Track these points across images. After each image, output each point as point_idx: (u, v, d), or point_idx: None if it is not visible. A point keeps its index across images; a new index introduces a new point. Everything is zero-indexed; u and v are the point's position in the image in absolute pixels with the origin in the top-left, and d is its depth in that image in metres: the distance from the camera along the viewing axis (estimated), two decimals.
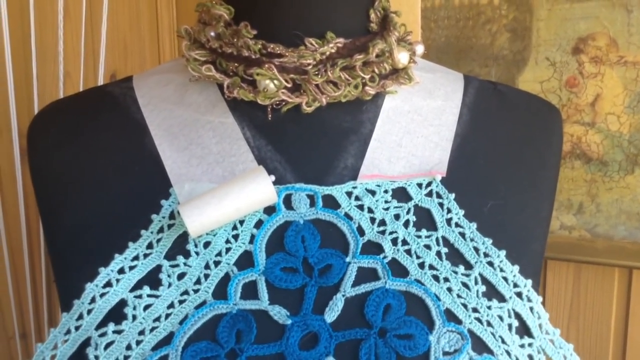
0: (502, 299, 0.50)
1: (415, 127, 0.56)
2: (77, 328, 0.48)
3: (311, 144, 0.53)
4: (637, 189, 0.93)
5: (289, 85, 0.51)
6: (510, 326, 0.49)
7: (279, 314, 0.47)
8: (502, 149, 0.57)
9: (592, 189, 0.95)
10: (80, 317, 0.48)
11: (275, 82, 0.51)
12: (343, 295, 0.47)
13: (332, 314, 0.47)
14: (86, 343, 0.47)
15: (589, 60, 0.93)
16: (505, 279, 0.50)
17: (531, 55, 0.96)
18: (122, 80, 0.60)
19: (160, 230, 0.50)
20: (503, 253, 0.50)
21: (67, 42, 1.04)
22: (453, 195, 0.52)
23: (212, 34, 0.54)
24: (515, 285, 0.50)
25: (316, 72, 0.51)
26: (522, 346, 0.49)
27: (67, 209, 0.53)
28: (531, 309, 0.50)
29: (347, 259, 0.49)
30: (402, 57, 0.56)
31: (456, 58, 1.01)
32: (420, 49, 0.60)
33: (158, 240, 0.50)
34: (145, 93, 0.57)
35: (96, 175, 0.53)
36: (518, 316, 0.50)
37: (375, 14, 0.56)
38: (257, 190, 0.48)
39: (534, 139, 0.58)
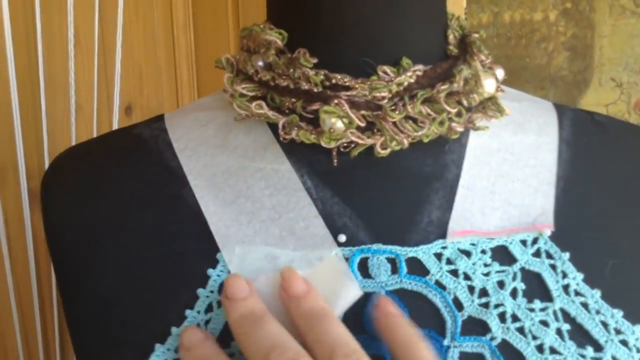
0: None
1: (508, 169, 0.46)
2: None
3: (387, 194, 0.44)
4: None
5: (361, 124, 0.41)
6: None
7: None
8: (613, 192, 0.47)
9: None
10: None
11: (345, 120, 0.41)
12: None
13: None
14: None
15: None
16: None
17: (594, 76, 0.87)
18: (152, 120, 0.50)
19: (209, 309, 0.40)
20: (638, 329, 0.40)
21: (77, 73, 0.96)
22: (567, 254, 0.42)
23: (261, 63, 0.45)
24: None
25: (393, 107, 0.42)
26: None
27: (92, 277, 0.43)
28: None
29: (446, 342, 0.39)
30: (488, 85, 0.46)
31: (507, 80, 0.91)
32: (500, 73, 0.51)
33: (206, 322, 0.40)
34: (181, 135, 0.48)
35: (126, 236, 0.44)
36: None
37: (454, 35, 0.47)
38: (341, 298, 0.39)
39: None
